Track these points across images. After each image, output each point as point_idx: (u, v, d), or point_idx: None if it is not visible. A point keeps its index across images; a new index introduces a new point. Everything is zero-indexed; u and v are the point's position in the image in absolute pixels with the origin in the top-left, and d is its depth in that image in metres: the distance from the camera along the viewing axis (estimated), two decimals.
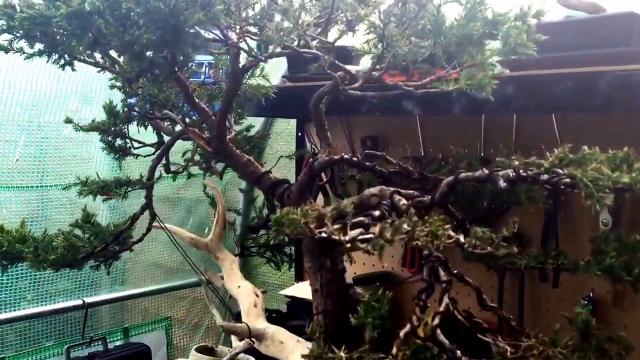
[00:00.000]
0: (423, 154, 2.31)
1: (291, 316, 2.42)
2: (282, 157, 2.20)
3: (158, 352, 2.79)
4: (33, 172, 2.41)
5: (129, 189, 1.58)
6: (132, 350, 2.55)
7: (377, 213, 1.05)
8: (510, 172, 0.98)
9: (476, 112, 1.98)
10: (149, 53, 1.14)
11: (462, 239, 0.86)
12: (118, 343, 2.64)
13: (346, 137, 2.56)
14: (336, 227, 0.92)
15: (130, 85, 1.59)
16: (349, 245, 0.83)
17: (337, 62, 1.30)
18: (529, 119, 2.03)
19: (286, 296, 2.50)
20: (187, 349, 2.95)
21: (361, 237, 0.84)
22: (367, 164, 1.53)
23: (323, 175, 2.55)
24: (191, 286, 2.94)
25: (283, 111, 2.45)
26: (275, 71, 2.41)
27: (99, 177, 1.53)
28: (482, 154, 2.12)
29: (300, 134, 2.80)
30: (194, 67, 1.97)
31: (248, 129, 2.09)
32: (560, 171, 0.91)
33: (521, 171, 0.95)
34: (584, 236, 1.90)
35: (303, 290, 2.32)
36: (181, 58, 1.21)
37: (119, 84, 1.72)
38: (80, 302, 2.54)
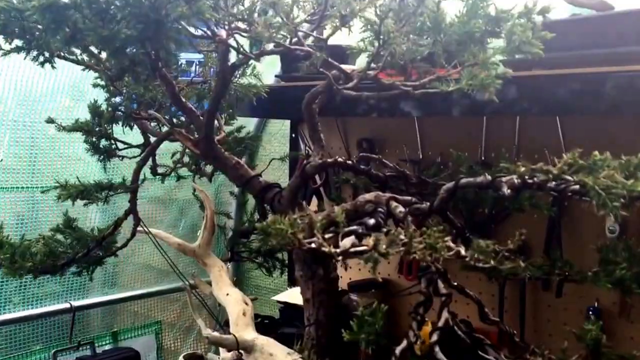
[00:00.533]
0: (421, 157, 2.24)
1: (284, 322, 2.34)
2: (274, 159, 2.12)
3: (148, 356, 2.74)
4: (19, 172, 2.34)
5: (111, 193, 1.50)
6: (120, 355, 2.48)
7: (371, 221, 0.98)
8: (515, 179, 0.91)
9: (477, 114, 1.91)
10: (130, 49, 1.08)
11: (462, 251, 0.79)
12: (107, 347, 2.58)
13: (341, 138, 2.49)
14: (327, 236, 0.85)
15: (113, 83, 1.52)
16: (340, 258, 0.75)
17: (330, 60, 1.23)
18: (532, 121, 1.96)
19: (278, 301, 2.42)
20: (177, 354, 2.88)
21: (353, 249, 0.77)
22: (362, 167, 1.47)
23: (317, 177, 2.49)
24: (183, 289, 2.86)
25: (276, 112, 2.37)
26: (269, 70, 2.34)
27: (79, 181, 1.45)
28: (483, 158, 2.05)
29: (294, 135, 2.73)
30: (183, 66, 1.92)
31: (239, 129, 2.01)
32: (570, 178, 0.84)
33: (527, 178, 0.88)
34: (588, 243, 1.83)
35: (296, 295, 2.24)
36: (164, 54, 1.13)
37: (102, 82, 1.65)
38: (67, 305, 2.48)
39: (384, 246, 0.74)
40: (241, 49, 1.30)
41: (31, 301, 2.43)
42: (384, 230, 0.94)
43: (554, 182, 0.87)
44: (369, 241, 0.76)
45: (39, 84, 2.31)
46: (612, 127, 1.73)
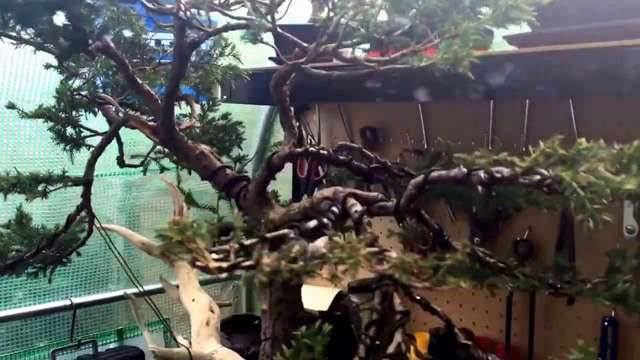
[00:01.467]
0: (426, 147, 2.05)
1: None
2: (256, 153, 1.95)
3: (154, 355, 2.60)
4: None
5: (49, 188, 1.33)
6: (123, 354, 2.38)
7: (312, 223, 0.80)
8: (482, 174, 0.73)
9: (487, 97, 1.71)
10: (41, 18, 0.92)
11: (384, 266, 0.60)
12: (111, 346, 2.47)
13: (344, 126, 2.31)
14: (251, 241, 0.68)
15: (62, 63, 1.36)
16: (223, 275, 0.58)
17: (285, 33, 1.05)
18: (542, 105, 1.75)
19: None
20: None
21: (245, 264, 0.59)
22: (342, 158, 1.29)
23: (320, 169, 2.33)
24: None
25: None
26: (267, 54, 2.18)
27: (17, 171, 1.30)
28: (490, 147, 1.85)
29: (297, 124, 2.55)
30: (164, 46, 1.78)
31: (225, 116, 1.84)
32: (545, 172, 0.66)
33: (494, 172, 0.70)
34: (603, 245, 1.62)
35: None
36: (87, 25, 0.97)
37: (54, 63, 1.50)
38: (67, 302, 2.35)
39: (268, 261, 0.56)
40: (194, 22, 1.14)
41: (35, 296, 2.31)
42: (329, 233, 0.77)
43: (526, 177, 0.68)
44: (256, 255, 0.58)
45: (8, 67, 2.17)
46: (634, 110, 1.52)
